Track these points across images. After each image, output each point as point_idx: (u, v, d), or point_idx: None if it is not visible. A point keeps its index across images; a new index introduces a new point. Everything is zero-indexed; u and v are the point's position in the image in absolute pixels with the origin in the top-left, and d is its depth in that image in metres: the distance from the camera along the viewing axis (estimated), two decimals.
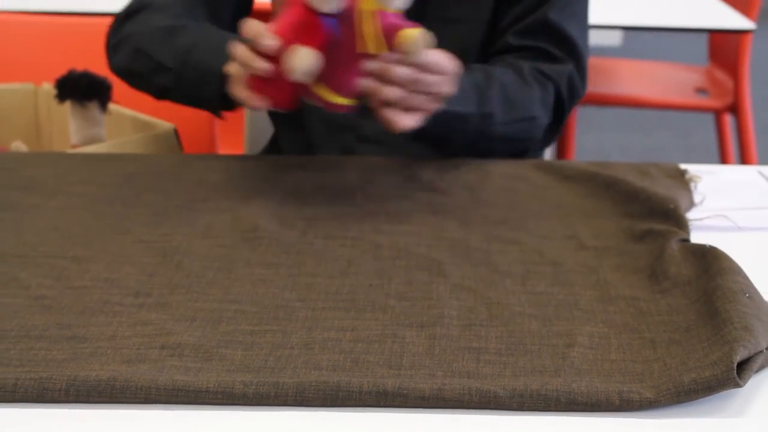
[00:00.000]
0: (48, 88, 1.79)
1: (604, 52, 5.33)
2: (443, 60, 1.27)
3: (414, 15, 1.52)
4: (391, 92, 1.22)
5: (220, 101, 1.39)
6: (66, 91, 1.63)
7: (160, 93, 1.49)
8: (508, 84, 1.44)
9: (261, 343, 0.95)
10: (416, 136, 1.35)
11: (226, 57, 1.27)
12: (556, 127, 1.52)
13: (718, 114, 3.30)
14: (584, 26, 1.56)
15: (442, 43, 1.52)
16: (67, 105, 1.63)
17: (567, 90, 1.50)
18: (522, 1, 1.51)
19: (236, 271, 1.10)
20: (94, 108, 1.59)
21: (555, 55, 1.50)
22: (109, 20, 2.08)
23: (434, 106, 1.28)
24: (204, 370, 0.91)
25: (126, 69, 1.52)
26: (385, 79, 1.22)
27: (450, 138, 1.43)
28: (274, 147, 1.69)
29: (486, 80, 1.43)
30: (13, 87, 1.82)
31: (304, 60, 1.16)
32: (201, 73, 1.39)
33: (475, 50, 1.52)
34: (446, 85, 1.27)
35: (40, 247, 1.14)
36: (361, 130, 1.52)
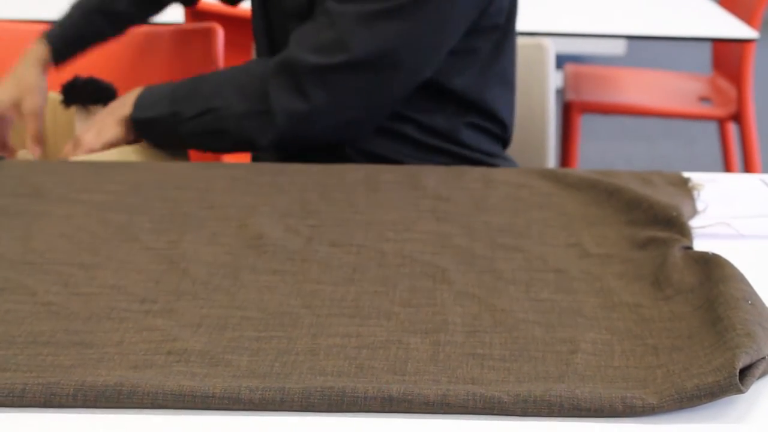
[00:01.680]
0: (53, 96, 1.80)
1: (608, 61, 5.34)
2: None
3: (306, 12, 1.54)
4: None
5: None
6: (71, 96, 1.64)
7: None
8: (203, 79, 1.54)
9: (267, 349, 0.96)
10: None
11: None
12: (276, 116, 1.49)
13: (721, 123, 3.30)
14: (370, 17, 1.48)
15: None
16: (73, 110, 1.64)
17: (281, 76, 1.48)
18: None
19: (242, 278, 1.11)
20: (99, 113, 1.60)
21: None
22: None
23: None
24: (210, 375, 0.91)
25: None
26: None
27: (150, 138, 1.57)
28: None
29: (189, 81, 1.55)
30: None
31: None
32: None
33: None
34: None
35: (48, 254, 1.15)
36: None
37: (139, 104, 1.56)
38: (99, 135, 1.55)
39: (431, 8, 1.48)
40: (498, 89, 1.63)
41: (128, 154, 1.54)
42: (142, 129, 1.56)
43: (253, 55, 1.94)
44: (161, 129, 1.55)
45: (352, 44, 1.46)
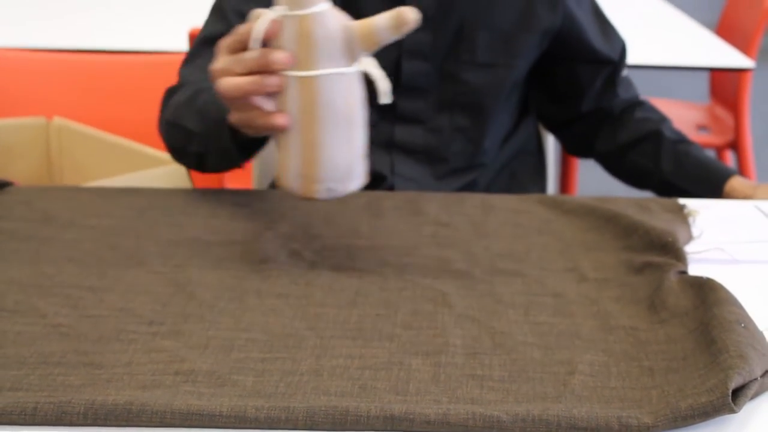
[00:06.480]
0: (59, 122, 1.82)
1: None
2: None
3: (445, 57, 1.57)
4: None
5: (238, 147, 1.34)
6: None
7: (198, 162, 1.46)
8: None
9: (272, 370, 0.98)
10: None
11: None
12: None
13: (719, 151, 3.33)
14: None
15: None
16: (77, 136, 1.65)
17: None
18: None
19: (247, 301, 1.13)
20: None
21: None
22: (115, 58, 2.10)
23: None
24: (217, 395, 0.93)
25: (169, 146, 1.51)
26: None
27: None
28: None
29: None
30: (24, 122, 1.86)
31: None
32: (216, 123, 1.33)
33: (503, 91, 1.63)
34: None
35: (57, 277, 1.17)
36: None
37: None
38: None
39: None
40: None
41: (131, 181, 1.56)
42: None
43: None
44: None
45: None
